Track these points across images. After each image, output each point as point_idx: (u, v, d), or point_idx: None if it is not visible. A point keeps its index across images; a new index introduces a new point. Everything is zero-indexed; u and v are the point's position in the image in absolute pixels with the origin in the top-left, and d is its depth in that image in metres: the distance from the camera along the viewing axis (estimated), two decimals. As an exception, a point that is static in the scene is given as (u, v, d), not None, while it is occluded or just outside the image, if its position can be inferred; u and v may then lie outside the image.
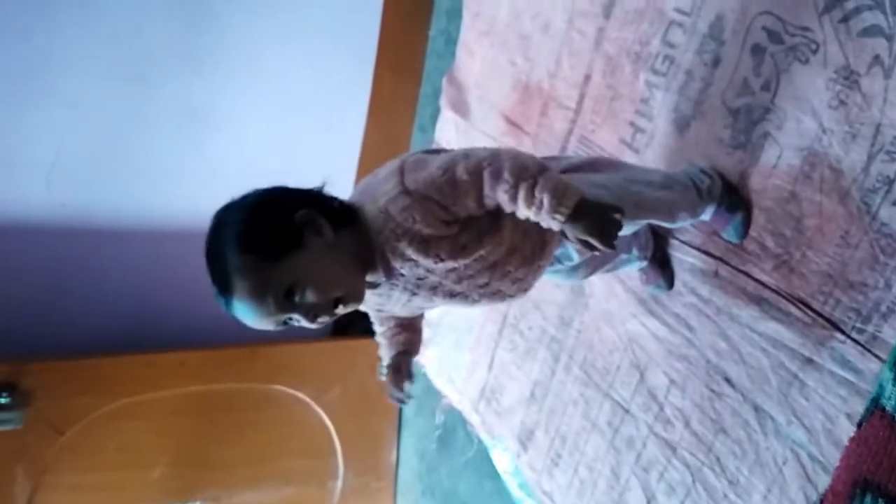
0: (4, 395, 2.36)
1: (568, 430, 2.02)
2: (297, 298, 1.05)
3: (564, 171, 1.31)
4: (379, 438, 3.06)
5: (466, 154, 1.11)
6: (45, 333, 2.60)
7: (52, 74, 2.34)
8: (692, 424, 1.62)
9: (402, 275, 1.15)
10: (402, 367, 1.35)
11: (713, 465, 1.57)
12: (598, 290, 1.90)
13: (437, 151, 1.19)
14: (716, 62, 1.54)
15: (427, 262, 1.12)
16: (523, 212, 1.08)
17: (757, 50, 1.46)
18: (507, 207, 1.09)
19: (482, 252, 1.15)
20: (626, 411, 1.80)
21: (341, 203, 1.13)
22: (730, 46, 1.51)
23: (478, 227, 1.14)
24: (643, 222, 1.44)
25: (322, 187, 1.15)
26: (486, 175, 1.06)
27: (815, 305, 1.35)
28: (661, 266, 1.67)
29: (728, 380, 1.53)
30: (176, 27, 2.42)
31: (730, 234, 1.51)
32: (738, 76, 1.49)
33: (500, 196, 1.07)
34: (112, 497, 2.62)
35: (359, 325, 3.24)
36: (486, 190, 1.07)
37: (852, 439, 1.07)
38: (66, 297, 2.63)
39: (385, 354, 1.40)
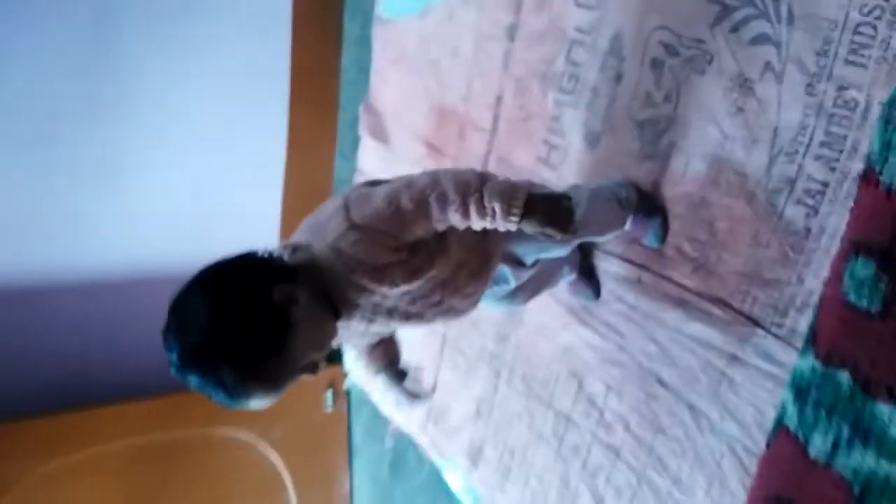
0: (-70, 467, 2.24)
1: (516, 443, 2.04)
2: (304, 366, 1.07)
3: None
4: (330, 469, 3.03)
5: (408, 183, 1.12)
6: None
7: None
8: (632, 427, 1.67)
9: (359, 305, 1.16)
10: (396, 381, 1.42)
11: (655, 465, 1.62)
12: (531, 304, 1.93)
13: (377, 182, 1.20)
14: (618, 77, 1.60)
15: (382, 290, 1.13)
16: (478, 224, 1.12)
17: (656, 63, 1.52)
18: (461, 225, 1.12)
19: (434, 272, 1.18)
20: (569, 420, 1.84)
21: (288, 255, 1.11)
22: (630, 62, 1.57)
23: (426, 248, 1.16)
24: (579, 240, 1.50)
25: (255, 251, 1.11)
26: (433, 201, 1.09)
27: (735, 304, 1.41)
28: (588, 277, 1.72)
29: (661, 381, 1.58)
30: (75, 83, 2.35)
31: (650, 239, 1.57)
32: (640, 90, 1.55)
33: (452, 217, 1.10)
34: (58, 567, 2.51)
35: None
36: (436, 214, 1.10)
37: (762, 459, 1.13)
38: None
39: (371, 376, 1.43)
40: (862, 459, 0.92)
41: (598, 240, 1.54)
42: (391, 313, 1.21)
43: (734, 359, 1.42)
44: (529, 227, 1.12)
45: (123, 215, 2.60)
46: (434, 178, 1.12)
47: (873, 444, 0.91)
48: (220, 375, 0.98)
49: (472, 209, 1.09)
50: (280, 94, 2.70)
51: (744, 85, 1.36)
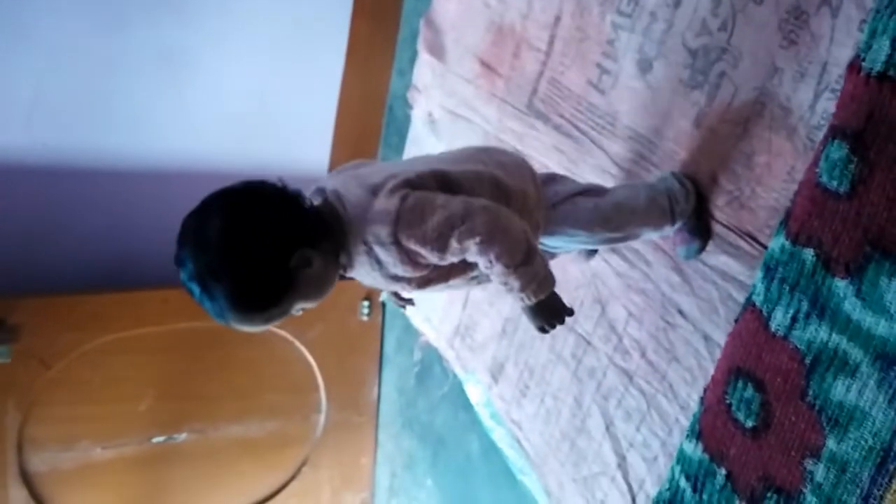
0: (-8, 330, 2.43)
1: (535, 362, 2.10)
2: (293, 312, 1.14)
3: (564, 199, 1.39)
4: (360, 375, 3.15)
5: (464, 216, 1.08)
6: (32, 271, 2.65)
7: (28, 19, 2.34)
8: (648, 354, 1.70)
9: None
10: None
11: (666, 392, 1.66)
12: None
13: (442, 177, 1.18)
14: (677, 3, 1.58)
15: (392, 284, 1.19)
16: (494, 279, 1.14)
17: (716, -10, 1.49)
18: (483, 268, 1.13)
19: (446, 283, 1.22)
20: (589, 343, 1.89)
21: (319, 201, 1.16)
22: (690, -13, 1.55)
23: (449, 266, 1.18)
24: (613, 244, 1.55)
25: (299, 193, 1.14)
26: (475, 249, 1.08)
27: (762, 239, 1.42)
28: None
29: (681, 311, 1.61)
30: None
31: (681, 252, 1.56)
32: (697, 16, 1.53)
33: (479, 262, 1.11)
34: (100, 429, 2.70)
35: (341, 267, 3.32)
36: (470, 257, 1.10)
37: (730, 334, 1.17)
38: (51, 236, 2.68)
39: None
40: (816, 332, 0.98)
41: (631, 241, 1.54)
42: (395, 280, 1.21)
43: (755, 293, 1.43)
44: (526, 313, 1.19)
45: (182, 110, 2.70)
46: (491, 228, 1.08)
47: (827, 318, 0.96)
48: (216, 301, 1.05)
49: (499, 271, 1.09)
50: (344, 4, 2.73)
51: (799, 17, 1.33)
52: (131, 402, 2.74)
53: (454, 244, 1.07)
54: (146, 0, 2.47)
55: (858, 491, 0.95)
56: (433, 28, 2.50)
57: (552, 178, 1.48)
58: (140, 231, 2.80)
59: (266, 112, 2.82)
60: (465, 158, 1.29)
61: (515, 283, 1.10)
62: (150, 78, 2.59)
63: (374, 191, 1.12)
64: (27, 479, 2.63)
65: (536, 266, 1.12)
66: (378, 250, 1.11)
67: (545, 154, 1.99)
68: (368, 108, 2.99)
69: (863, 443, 0.95)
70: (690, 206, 1.50)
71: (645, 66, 1.67)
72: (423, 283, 1.17)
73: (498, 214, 1.11)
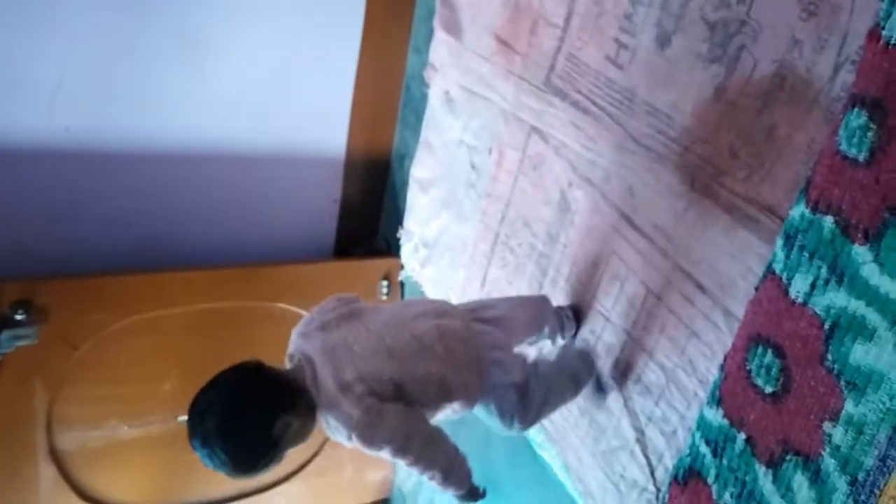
0: (20, 311, 2.46)
1: (554, 339, 2.11)
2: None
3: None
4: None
5: (403, 445, 1.42)
6: (58, 253, 2.70)
7: (52, 5, 2.36)
8: (667, 330, 1.71)
9: None
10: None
11: (686, 367, 1.66)
12: (584, 206, 1.97)
13: (397, 387, 1.47)
14: (696, -24, 1.56)
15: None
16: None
17: (735, -38, 1.48)
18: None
19: None
20: (608, 320, 1.89)
21: (294, 366, 1.47)
22: (709, -41, 1.53)
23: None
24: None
25: (278, 373, 1.44)
26: (404, 463, 1.46)
27: (781, 213, 1.41)
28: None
29: (700, 286, 1.61)
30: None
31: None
32: (716, -11, 1.52)
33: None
34: (126, 407, 2.76)
35: (360, 248, 3.34)
36: (388, 457, 1.44)
37: (750, 301, 1.18)
38: (76, 219, 2.72)
39: None
40: (835, 298, 1.00)
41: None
42: None
43: (774, 266, 1.43)
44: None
45: (202, 93, 2.72)
46: (418, 457, 1.45)
47: (846, 283, 0.99)
48: (222, 467, 1.34)
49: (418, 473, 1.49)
50: (360, -17, 2.73)
51: (821, -13, 1.32)
52: (156, 381, 2.79)
53: (389, 455, 1.43)
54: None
55: (876, 452, 0.97)
56: (449, 5, 2.49)
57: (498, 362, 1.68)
58: (162, 213, 2.84)
59: (284, 93, 2.83)
60: (421, 352, 1.52)
61: (436, 482, 1.50)
62: (170, 62, 2.61)
63: (344, 389, 1.40)
64: (56, 458, 2.70)
65: (454, 475, 1.51)
66: (334, 427, 1.44)
67: (562, 131, 1.99)
68: (385, 88, 2.99)
69: (881, 405, 0.96)
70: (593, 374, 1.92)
71: (663, 41, 1.66)
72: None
73: (427, 448, 1.46)
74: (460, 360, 1.56)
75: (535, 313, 1.91)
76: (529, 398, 1.70)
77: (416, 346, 1.52)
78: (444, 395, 1.53)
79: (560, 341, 2.00)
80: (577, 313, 1.99)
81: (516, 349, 1.81)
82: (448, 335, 1.57)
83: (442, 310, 1.67)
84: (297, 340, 1.53)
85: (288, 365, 1.50)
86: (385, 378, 1.45)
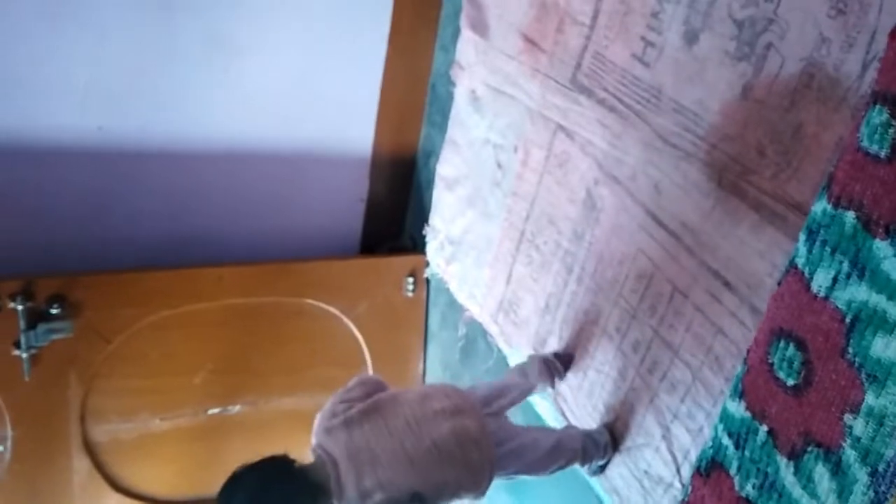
0: (56, 306, 2.52)
1: (579, 337, 2.13)
2: None
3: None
4: (406, 350, 3.21)
5: None
6: (92, 249, 2.76)
7: (84, 7, 2.41)
8: (693, 327, 1.71)
9: None
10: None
11: (712, 364, 1.67)
12: (610, 204, 1.98)
13: (417, 498, 1.59)
14: (723, -26, 1.56)
15: None
16: None
17: (763, -40, 1.48)
18: None
19: None
20: (633, 317, 1.90)
21: (317, 468, 1.59)
22: (737, -43, 1.53)
23: None
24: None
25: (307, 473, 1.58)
26: None
27: (809, 210, 1.41)
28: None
29: (727, 284, 1.61)
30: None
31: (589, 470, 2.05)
32: (744, -13, 1.52)
33: None
34: (158, 400, 2.82)
35: (386, 245, 3.37)
36: None
37: (772, 296, 1.19)
38: (109, 216, 2.77)
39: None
40: (856, 292, 1.03)
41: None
42: None
43: (801, 265, 1.43)
44: None
45: (230, 92, 2.76)
46: None
47: (867, 278, 1.02)
48: None
49: None
50: (387, -18, 2.75)
51: (850, -15, 1.32)
52: (187, 375, 2.85)
53: None
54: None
55: (896, 443, 0.99)
56: (476, 4, 2.50)
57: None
58: (193, 211, 2.89)
59: (311, 92, 2.87)
60: (440, 460, 1.63)
61: None
62: (199, 61, 2.65)
63: (363, 497, 1.54)
64: (90, 449, 2.77)
65: None
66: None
67: (589, 129, 2.00)
68: (411, 86, 3.02)
69: (901, 397, 0.98)
70: (608, 453, 2.00)
71: (690, 38, 1.67)
72: None
73: None
74: (475, 465, 1.68)
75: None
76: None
77: (435, 453, 1.63)
78: (457, 494, 1.68)
79: (550, 390, 2.19)
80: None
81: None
82: (464, 440, 1.68)
83: (458, 407, 1.74)
84: (321, 435, 1.65)
85: (311, 457, 1.62)
86: (404, 488, 1.57)
